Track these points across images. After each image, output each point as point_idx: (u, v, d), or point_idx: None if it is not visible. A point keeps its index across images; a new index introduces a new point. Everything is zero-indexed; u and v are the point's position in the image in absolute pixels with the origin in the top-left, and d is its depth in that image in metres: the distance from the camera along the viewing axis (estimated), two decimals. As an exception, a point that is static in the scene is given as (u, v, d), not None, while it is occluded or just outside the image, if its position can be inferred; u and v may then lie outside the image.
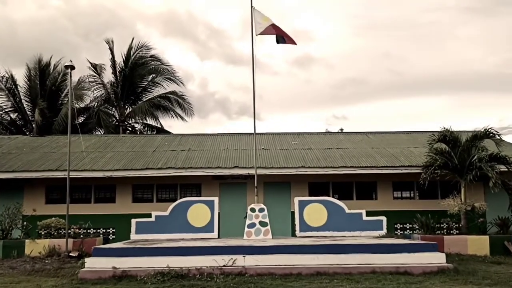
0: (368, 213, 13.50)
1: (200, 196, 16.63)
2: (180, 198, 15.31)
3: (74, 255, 12.50)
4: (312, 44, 58.89)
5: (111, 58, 29.39)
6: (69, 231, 13.40)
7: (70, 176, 14.44)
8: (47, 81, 28.69)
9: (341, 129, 27.13)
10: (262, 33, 13.98)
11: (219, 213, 13.55)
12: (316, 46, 60.22)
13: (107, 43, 29.55)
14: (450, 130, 14.74)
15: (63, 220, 13.83)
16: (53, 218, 14.19)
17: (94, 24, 53.22)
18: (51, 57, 29.35)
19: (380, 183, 17.03)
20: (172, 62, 38.90)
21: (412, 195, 17.38)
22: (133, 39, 30.72)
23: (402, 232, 16.20)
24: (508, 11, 54.26)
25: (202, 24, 59.42)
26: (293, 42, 13.87)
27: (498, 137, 14.47)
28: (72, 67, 13.84)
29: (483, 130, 14.34)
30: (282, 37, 13.76)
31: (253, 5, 14.15)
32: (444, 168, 14.39)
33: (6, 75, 28.13)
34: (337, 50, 62.06)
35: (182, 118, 29.85)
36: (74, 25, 53.64)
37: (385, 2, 56.36)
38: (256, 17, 14.08)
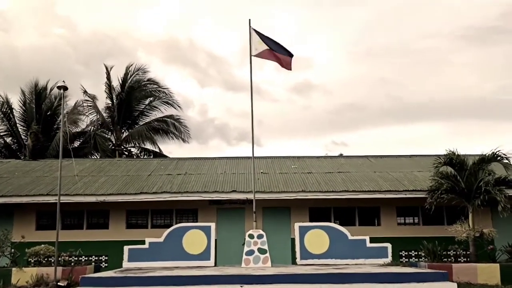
0: (372, 240, 13.04)
1: (196, 222, 16.03)
2: (176, 224, 14.75)
3: (63, 284, 11.84)
4: (311, 71, 59.07)
5: (106, 83, 29.13)
6: (59, 259, 12.75)
7: (62, 201, 13.89)
8: (43, 105, 28.36)
9: (341, 154, 26.66)
10: (257, 56, 13.83)
11: (216, 239, 13.04)
12: (315, 73, 60.40)
13: (106, 68, 29.31)
14: (456, 153, 14.25)
15: (53, 247, 13.20)
16: (42, 245, 13.53)
17: (96, 52, 53.37)
18: (47, 81, 29.08)
19: (383, 208, 16.45)
20: (172, 89, 38.70)
21: (416, 221, 16.78)
22: (131, 65, 30.21)
23: (407, 259, 15.56)
24: (502, 39, 54.69)
25: (202, 52, 59.70)
26: (288, 68, 13.61)
27: (507, 160, 13.99)
28: (65, 88, 13.42)
29: (490, 153, 13.85)
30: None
31: (251, 26, 13.98)
32: (451, 192, 13.83)
33: (2, 99, 27.83)
34: (335, 76, 62.24)
35: (183, 140, 29.49)
36: (76, 52, 53.83)
37: (380, 29, 56.81)
38: (253, 38, 13.90)
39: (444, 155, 14.47)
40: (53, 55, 53.70)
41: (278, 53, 13.47)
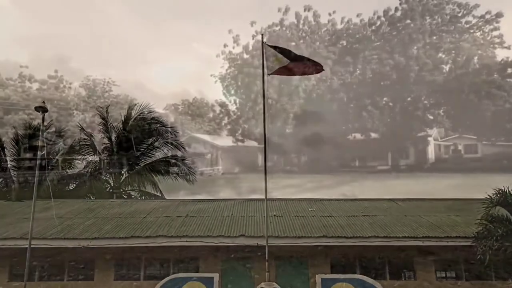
0: (409, 297, 10.55)
1: (197, 272, 13.55)
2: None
3: None
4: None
5: (102, 122, 27.33)
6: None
7: (37, 246, 11.71)
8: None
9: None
10: (274, 73, 12.12)
11: (219, 294, 10.64)
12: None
13: (99, 110, 27.60)
14: (510, 191, 11.91)
15: (22, 303, 10.84)
16: (9, 300, 11.18)
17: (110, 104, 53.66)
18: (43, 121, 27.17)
19: (418, 258, 13.87)
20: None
21: (458, 274, 14.13)
22: (134, 104, 28.42)
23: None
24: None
25: (212, 104, 60.53)
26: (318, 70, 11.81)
27: None
28: (44, 110, 11.48)
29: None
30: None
31: (264, 40, 12.28)
32: (507, 239, 11.38)
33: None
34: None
35: (187, 180, 27.24)
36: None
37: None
38: (268, 55, 12.17)
39: (495, 193, 12.12)
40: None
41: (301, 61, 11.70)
